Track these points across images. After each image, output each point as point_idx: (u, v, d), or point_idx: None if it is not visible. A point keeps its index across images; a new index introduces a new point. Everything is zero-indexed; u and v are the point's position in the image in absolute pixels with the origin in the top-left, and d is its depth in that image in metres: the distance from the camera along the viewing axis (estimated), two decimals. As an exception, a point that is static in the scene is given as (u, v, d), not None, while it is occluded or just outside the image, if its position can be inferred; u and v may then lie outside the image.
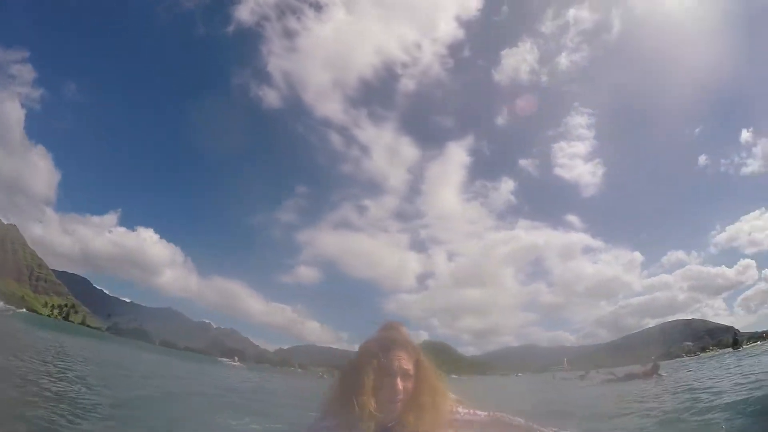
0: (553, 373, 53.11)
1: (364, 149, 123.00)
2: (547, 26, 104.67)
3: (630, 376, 18.64)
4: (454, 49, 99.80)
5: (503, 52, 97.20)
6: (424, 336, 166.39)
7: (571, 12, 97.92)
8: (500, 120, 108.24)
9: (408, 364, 1.54)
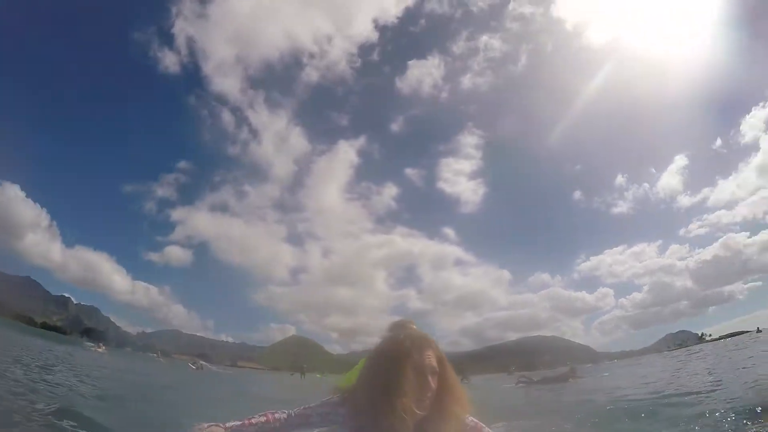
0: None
1: (255, 133, 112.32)
2: (459, 46, 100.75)
3: (546, 380, 19.96)
4: (364, 49, 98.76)
5: (411, 63, 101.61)
6: (291, 331, 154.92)
7: (484, 38, 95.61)
8: (395, 127, 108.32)
9: (435, 362, 1.60)
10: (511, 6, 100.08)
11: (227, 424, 1.59)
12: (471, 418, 1.71)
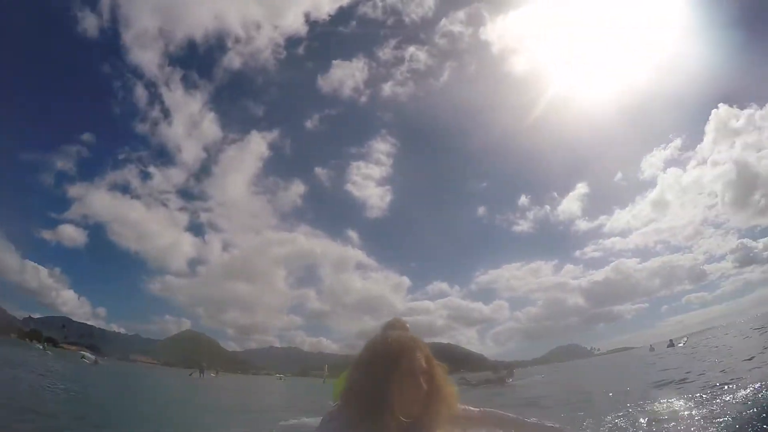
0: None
1: (167, 113, 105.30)
2: (385, 53, 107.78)
3: (487, 382, 21.05)
4: (291, 42, 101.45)
5: (335, 62, 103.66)
6: (186, 324, 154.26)
7: (411, 49, 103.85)
8: (310, 124, 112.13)
9: (424, 363, 1.58)
10: (442, 22, 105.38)
11: None
12: (462, 406, 1.75)
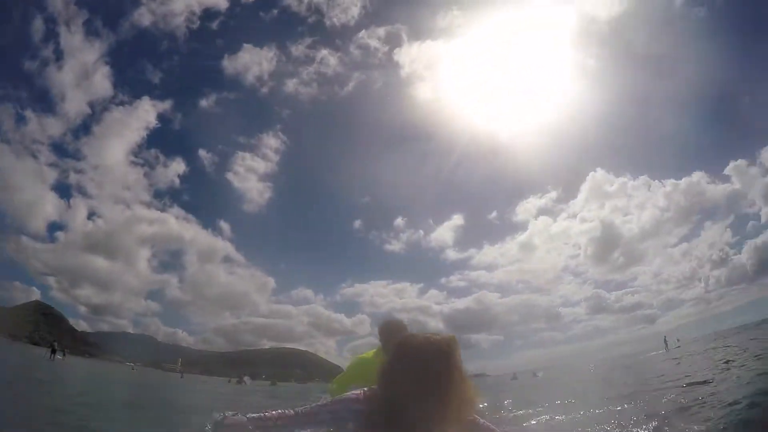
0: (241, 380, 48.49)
1: (60, 55, 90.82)
2: (298, 50, 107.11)
3: None
4: (207, 14, 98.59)
5: (246, 46, 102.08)
6: (36, 295, 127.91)
7: (324, 52, 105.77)
8: (205, 103, 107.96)
9: (450, 365, 1.55)
10: (361, 33, 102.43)
11: (248, 415, 1.62)
12: (482, 420, 1.75)
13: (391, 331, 2.87)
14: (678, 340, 37.24)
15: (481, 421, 1.77)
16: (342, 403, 1.65)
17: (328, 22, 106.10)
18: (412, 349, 1.59)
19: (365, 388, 1.67)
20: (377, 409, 1.57)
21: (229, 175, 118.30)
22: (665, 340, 37.83)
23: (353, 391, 1.69)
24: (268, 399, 20.07)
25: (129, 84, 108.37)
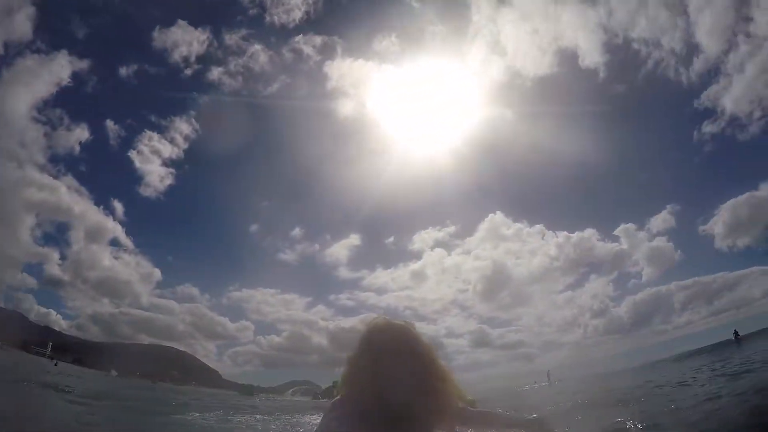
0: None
1: None
2: (231, 38, 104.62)
3: None
4: None
5: (181, 22, 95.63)
6: None
7: (257, 47, 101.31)
8: (125, 71, 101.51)
9: (414, 347, 1.54)
10: (298, 38, 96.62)
11: None
12: (462, 405, 1.71)
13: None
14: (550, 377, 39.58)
15: (471, 409, 1.77)
16: (334, 411, 1.57)
17: (268, 19, 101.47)
18: (376, 333, 1.59)
19: (339, 398, 1.61)
20: (363, 406, 1.49)
21: (132, 154, 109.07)
22: (548, 374, 39.70)
23: (336, 399, 1.64)
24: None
25: (51, 32, 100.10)
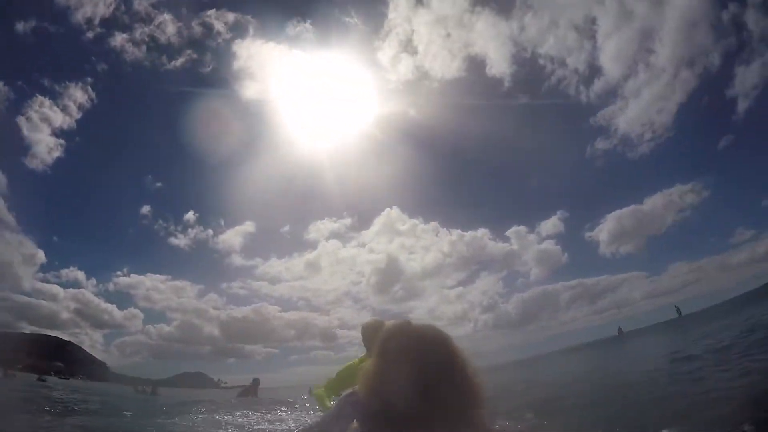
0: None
1: None
2: (141, 5, 74.43)
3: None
4: None
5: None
6: None
7: (166, 17, 66.66)
8: (21, 27, 65.38)
9: (429, 356, 1.46)
10: (210, 12, 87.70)
11: None
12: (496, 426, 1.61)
13: (376, 329, 2.80)
14: None
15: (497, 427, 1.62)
16: (344, 403, 1.66)
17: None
18: (404, 339, 1.51)
19: (356, 388, 1.63)
20: (376, 409, 1.48)
21: (20, 120, 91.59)
22: None
23: (349, 391, 1.69)
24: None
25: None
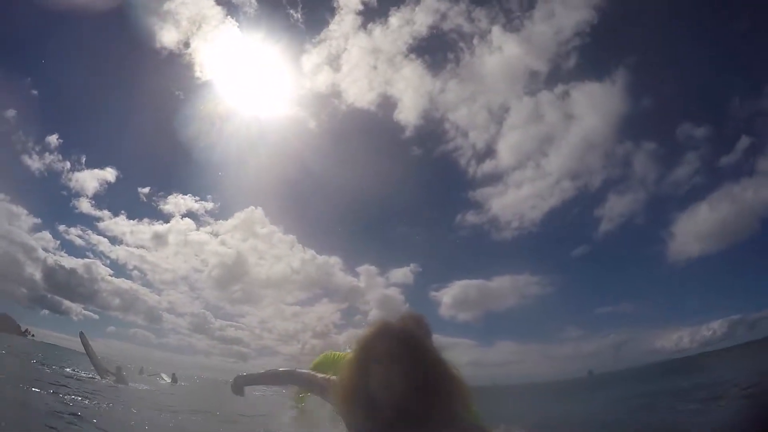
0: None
1: None
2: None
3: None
4: None
5: None
6: None
7: None
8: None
9: (399, 348, 1.41)
10: None
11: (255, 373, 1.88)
12: (475, 425, 1.47)
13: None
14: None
15: (477, 426, 1.47)
16: (326, 384, 1.69)
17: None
18: (371, 337, 1.47)
19: (330, 380, 1.65)
20: (350, 397, 1.46)
21: None
22: (174, 375, 34.83)
23: (326, 378, 1.72)
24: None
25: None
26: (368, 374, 1.41)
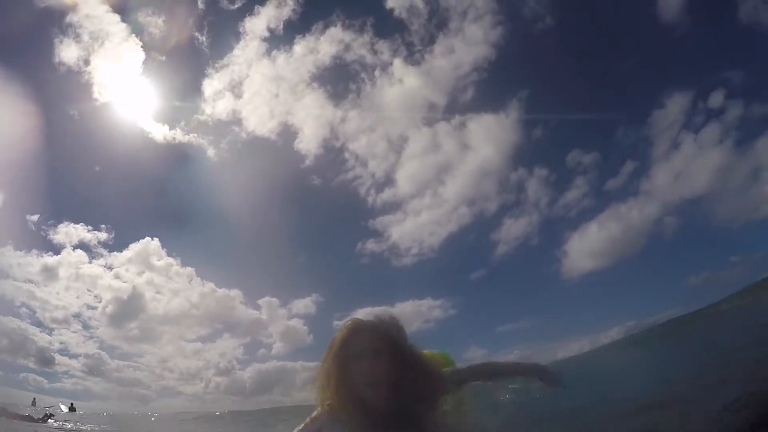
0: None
1: None
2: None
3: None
4: None
5: None
6: None
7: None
8: None
9: (376, 344, 1.46)
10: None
11: None
12: (449, 370, 1.68)
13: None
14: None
15: (463, 367, 1.74)
16: (319, 422, 1.52)
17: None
18: (344, 336, 1.52)
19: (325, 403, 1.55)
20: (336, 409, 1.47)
21: None
22: (72, 404, 37.16)
23: (320, 413, 1.56)
24: None
25: None
26: (350, 373, 1.43)
